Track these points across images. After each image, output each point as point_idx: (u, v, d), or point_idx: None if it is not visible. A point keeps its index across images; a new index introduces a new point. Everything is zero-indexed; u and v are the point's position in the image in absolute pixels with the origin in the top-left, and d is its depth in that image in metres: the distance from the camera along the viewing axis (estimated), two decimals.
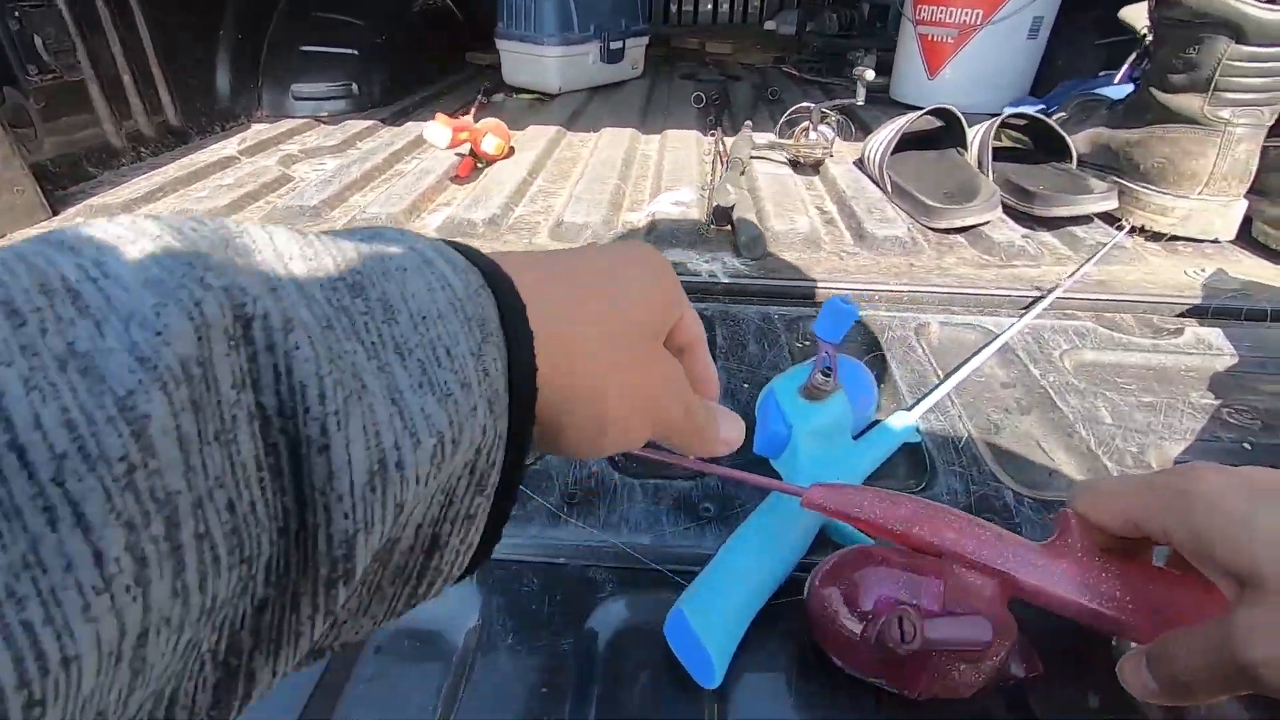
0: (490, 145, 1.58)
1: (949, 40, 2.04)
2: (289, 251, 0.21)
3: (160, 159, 1.66)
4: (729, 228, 1.28)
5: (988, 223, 1.26)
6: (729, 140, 1.75)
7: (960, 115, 1.44)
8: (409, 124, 1.97)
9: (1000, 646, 0.41)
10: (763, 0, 4.02)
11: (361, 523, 0.20)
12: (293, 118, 2.04)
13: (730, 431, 0.40)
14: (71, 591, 0.14)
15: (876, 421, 0.71)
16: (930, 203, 1.29)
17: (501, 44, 2.41)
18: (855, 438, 0.68)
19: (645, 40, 2.65)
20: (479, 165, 1.61)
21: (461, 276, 0.25)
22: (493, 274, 0.26)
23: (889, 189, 1.43)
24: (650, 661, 0.50)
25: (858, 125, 1.90)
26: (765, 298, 1.07)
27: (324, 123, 2.01)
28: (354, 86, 2.16)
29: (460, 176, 1.54)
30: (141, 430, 0.16)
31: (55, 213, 1.34)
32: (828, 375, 0.61)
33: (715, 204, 1.26)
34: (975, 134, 1.44)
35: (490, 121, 1.64)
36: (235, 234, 0.21)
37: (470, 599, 0.55)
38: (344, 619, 0.24)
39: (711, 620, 0.48)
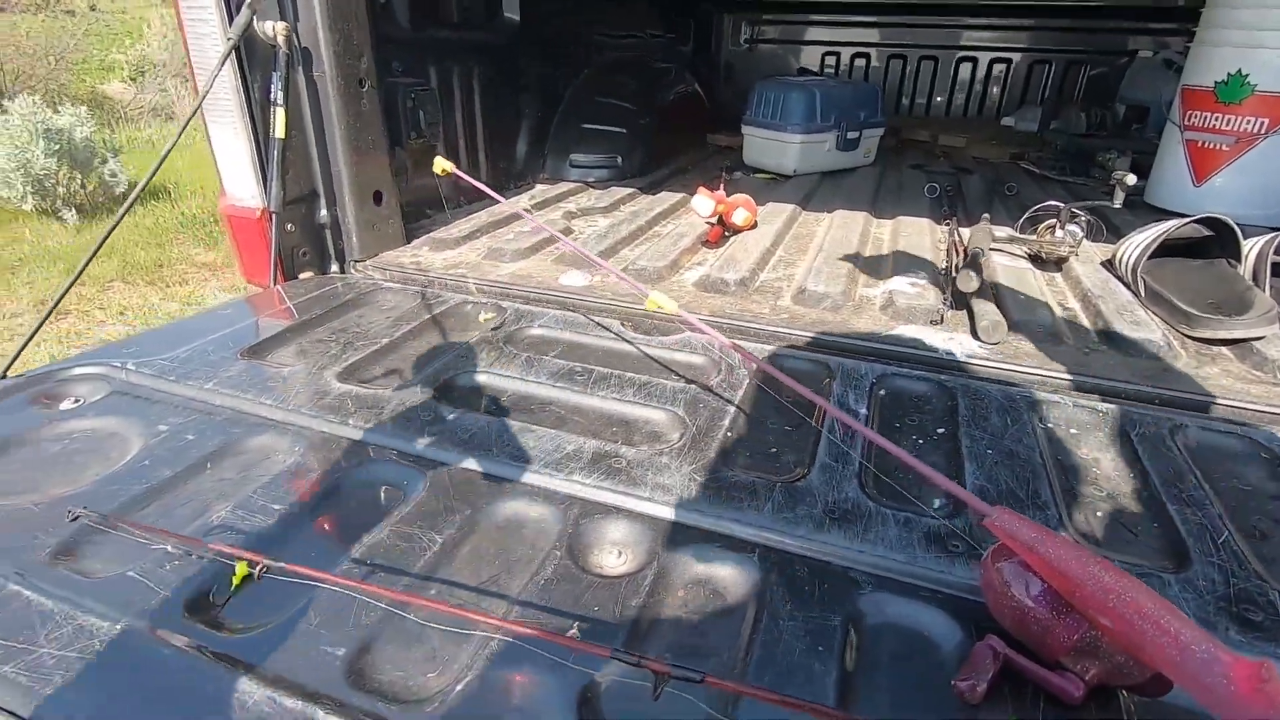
0: (739, 218, 1.79)
1: (1224, 148, 1.94)
2: None
3: (473, 207, 2.07)
4: (964, 311, 1.34)
5: (1262, 338, 1.21)
6: (964, 231, 1.81)
7: (1235, 226, 1.39)
8: (663, 193, 2.26)
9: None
10: (1001, 95, 3.99)
11: None
12: (568, 181, 2.43)
13: None
14: None
15: None
16: (1193, 311, 1.26)
17: (747, 129, 2.68)
18: None
19: (880, 131, 2.79)
20: (726, 234, 1.82)
21: None
22: None
23: (1142, 293, 1.41)
24: (909, 655, 0.60)
25: (1108, 227, 1.86)
26: (1004, 382, 1.12)
27: (592, 187, 2.37)
28: (619, 159, 2.52)
29: (710, 242, 1.76)
30: None
31: (408, 241, 1.75)
32: None
33: (956, 288, 1.33)
34: (1253, 246, 1.37)
35: (740, 197, 1.86)
36: None
37: (752, 570, 0.68)
38: None
39: None
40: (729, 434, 0.91)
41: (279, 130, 1.39)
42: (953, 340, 1.24)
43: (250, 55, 1.36)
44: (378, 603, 0.60)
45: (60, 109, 5.67)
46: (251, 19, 1.31)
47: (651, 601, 0.64)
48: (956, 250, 1.68)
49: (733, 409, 0.97)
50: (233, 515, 0.74)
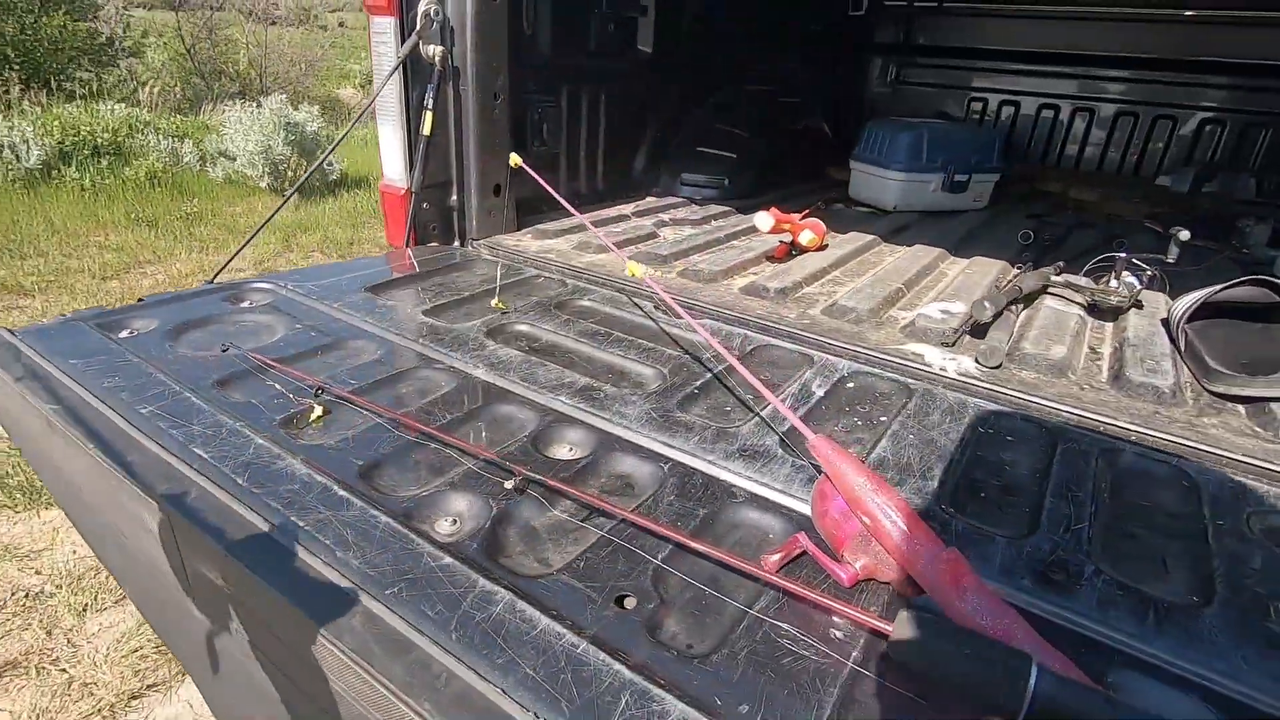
0: (805, 238, 1.96)
1: None
2: None
3: (582, 210, 2.39)
4: (980, 341, 1.42)
5: None
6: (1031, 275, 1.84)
7: None
8: (755, 213, 2.45)
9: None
10: (1164, 153, 3.75)
11: None
12: (676, 197, 2.69)
13: None
14: None
15: None
16: (1213, 365, 1.27)
17: (854, 164, 2.81)
18: None
19: (994, 177, 2.79)
20: (793, 252, 1.99)
21: None
22: None
23: (1182, 347, 1.42)
24: (749, 541, 0.78)
25: (1173, 284, 1.81)
26: (986, 399, 1.21)
27: (695, 203, 2.62)
28: (726, 181, 2.75)
29: (776, 257, 1.94)
30: None
31: (518, 229, 2.09)
32: None
33: (971, 317, 1.43)
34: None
35: (811, 220, 2.02)
36: None
37: (658, 474, 0.89)
38: None
39: None
40: (695, 391, 1.11)
41: (426, 129, 1.78)
42: (952, 360, 1.34)
43: (415, 71, 1.76)
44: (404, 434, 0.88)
45: (299, 107, 6.92)
46: (416, 43, 1.70)
47: (575, 479, 0.87)
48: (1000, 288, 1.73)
49: (708, 375, 1.17)
50: (326, 380, 1.07)
